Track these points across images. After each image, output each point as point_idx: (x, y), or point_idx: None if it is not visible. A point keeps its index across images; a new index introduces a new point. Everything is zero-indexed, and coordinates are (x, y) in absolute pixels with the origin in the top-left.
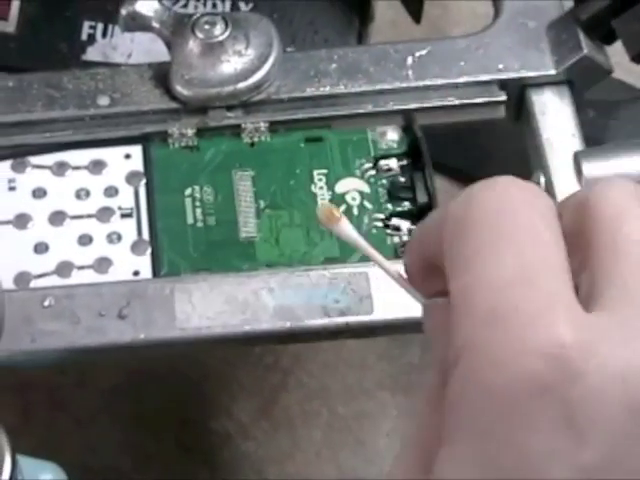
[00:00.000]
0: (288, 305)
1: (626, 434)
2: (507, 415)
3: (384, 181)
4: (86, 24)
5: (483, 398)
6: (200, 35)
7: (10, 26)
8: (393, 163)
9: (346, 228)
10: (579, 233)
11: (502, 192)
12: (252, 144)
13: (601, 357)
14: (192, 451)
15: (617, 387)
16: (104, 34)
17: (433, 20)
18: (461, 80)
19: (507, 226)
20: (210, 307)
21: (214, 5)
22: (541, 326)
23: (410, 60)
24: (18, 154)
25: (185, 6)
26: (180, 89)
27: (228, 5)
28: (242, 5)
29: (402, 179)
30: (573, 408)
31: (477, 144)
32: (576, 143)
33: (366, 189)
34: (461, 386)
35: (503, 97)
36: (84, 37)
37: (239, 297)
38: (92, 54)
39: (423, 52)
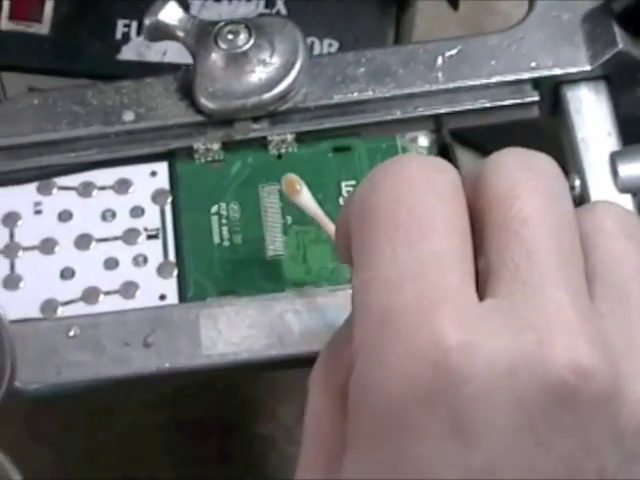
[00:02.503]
0: (314, 328)
1: (516, 430)
2: (398, 422)
3: None
4: (120, 23)
5: (376, 404)
6: (223, 46)
7: (44, 28)
8: None
9: (306, 200)
10: (475, 211)
11: (401, 175)
12: (279, 156)
13: (486, 356)
14: (236, 457)
15: (504, 384)
16: (138, 32)
17: None
18: (493, 80)
19: (402, 216)
20: (235, 332)
21: None
22: (426, 328)
23: (440, 61)
24: (44, 175)
25: (219, 0)
26: (204, 102)
27: None
28: None
29: None
30: (460, 413)
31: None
32: (613, 142)
33: None
34: (357, 390)
35: (536, 97)
36: (118, 36)
37: (264, 321)
38: (127, 53)
39: (454, 51)
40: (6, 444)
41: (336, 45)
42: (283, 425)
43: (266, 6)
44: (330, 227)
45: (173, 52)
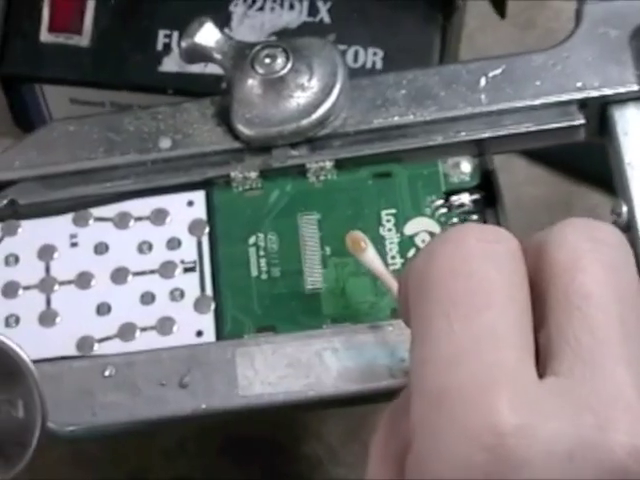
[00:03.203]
0: (352, 367)
1: None
2: None
3: (455, 219)
4: (161, 33)
5: None
6: (260, 70)
7: (84, 40)
8: (465, 198)
9: (371, 258)
10: (537, 282)
11: (459, 244)
12: (318, 183)
13: (544, 440)
14: (281, 477)
15: (564, 469)
16: (180, 43)
17: None
18: (537, 102)
19: (459, 288)
20: (272, 372)
21: (291, 6)
22: (481, 411)
23: (483, 81)
24: (79, 205)
25: (261, 8)
26: (241, 128)
27: (306, 5)
28: (320, 4)
29: (474, 217)
30: None
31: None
32: None
33: (437, 229)
34: (414, 472)
35: (582, 120)
36: (160, 47)
37: (302, 359)
38: (168, 65)
39: (497, 71)
40: (48, 467)
41: (381, 54)
42: (328, 445)
43: (309, 14)
44: (394, 286)
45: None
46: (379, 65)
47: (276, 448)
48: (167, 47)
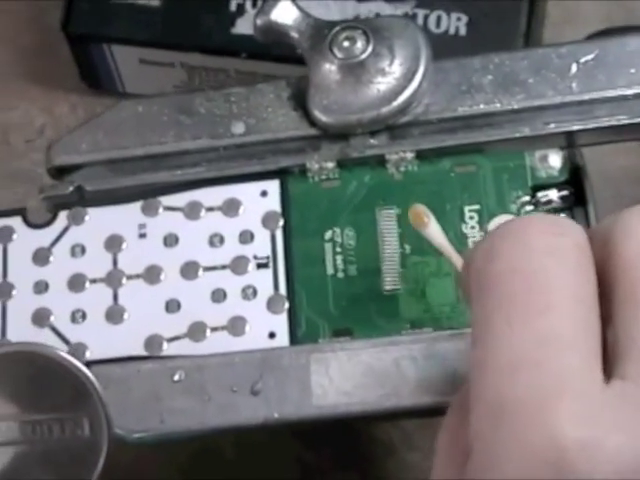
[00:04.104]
0: (431, 378)
1: None
2: None
3: None
4: None
5: None
6: (339, 54)
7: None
8: (553, 194)
9: (434, 232)
10: (604, 274)
11: (520, 239)
12: (398, 174)
13: (608, 453)
14: (354, 462)
15: None
16: (254, 3)
17: None
18: (631, 92)
19: (520, 289)
20: (348, 380)
21: None
22: (542, 424)
23: (574, 68)
24: (148, 193)
25: None
26: (318, 114)
27: None
28: None
29: (562, 215)
30: None
31: None
32: None
33: None
34: None
35: None
36: (233, 8)
37: (379, 368)
38: (242, 27)
39: (589, 57)
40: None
41: (465, 19)
42: (402, 430)
43: None
44: (458, 262)
45: None
46: (463, 31)
47: (349, 432)
48: (241, 8)
